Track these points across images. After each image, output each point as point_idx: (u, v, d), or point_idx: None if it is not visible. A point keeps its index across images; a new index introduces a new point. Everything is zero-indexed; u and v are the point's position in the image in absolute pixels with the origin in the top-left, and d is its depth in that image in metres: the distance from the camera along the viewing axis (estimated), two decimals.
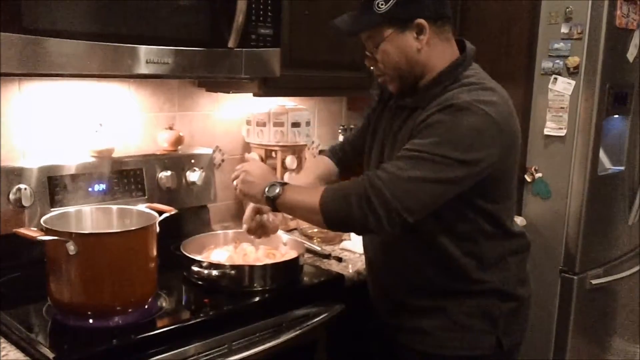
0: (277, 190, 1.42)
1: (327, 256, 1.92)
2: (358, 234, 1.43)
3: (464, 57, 1.42)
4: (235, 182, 1.53)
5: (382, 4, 1.35)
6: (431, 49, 1.39)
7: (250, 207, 1.63)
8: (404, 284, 1.53)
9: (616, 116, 2.58)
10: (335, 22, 1.44)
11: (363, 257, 1.74)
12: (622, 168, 2.66)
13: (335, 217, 1.36)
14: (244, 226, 1.64)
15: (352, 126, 2.54)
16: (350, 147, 1.77)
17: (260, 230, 1.63)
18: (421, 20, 1.36)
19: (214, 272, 1.54)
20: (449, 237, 1.42)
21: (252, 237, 1.67)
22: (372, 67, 1.47)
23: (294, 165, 2.23)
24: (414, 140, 1.34)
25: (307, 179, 1.70)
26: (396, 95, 1.50)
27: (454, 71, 1.39)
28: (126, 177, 1.85)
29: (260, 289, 1.58)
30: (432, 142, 1.29)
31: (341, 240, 2.07)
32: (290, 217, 2.22)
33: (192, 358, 1.38)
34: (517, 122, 1.42)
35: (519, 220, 2.51)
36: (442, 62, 1.40)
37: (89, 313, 1.35)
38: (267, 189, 1.43)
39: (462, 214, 1.41)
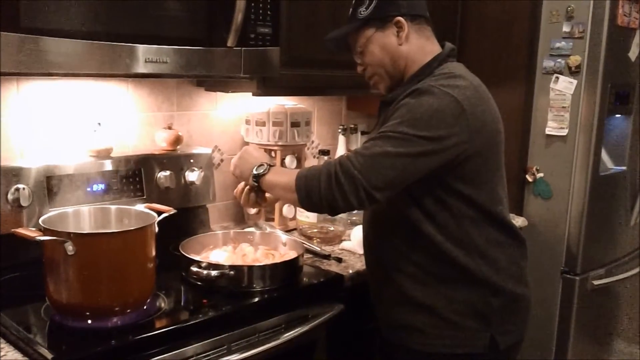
0: (263, 169, 1.53)
1: (327, 257, 1.91)
2: (330, 213, 1.47)
3: (440, 54, 1.53)
4: (232, 159, 1.62)
5: (363, 11, 1.52)
6: (410, 44, 1.52)
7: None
8: (394, 273, 1.53)
9: (618, 115, 2.57)
10: (328, 37, 1.61)
11: (363, 257, 1.74)
12: (624, 168, 2.65)
13: (305, 195, 1.43)
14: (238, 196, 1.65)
15: (352, 125, 2.54)
16: None
17: (252, 200, 1.63)
18: (399, 18, 1.50)
19: (213, 273, 1.54)
20: (430, 222, 1.45)
21: (247, 210, 1.67)
22: (363, 73, 1.60)
23: (294, 165, 2.23)
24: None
25: None
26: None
27: (430, 66, 1.50)
28: (124, 177, 1.85)
29: (259, 289, 1.58)
30: (395, 122, 1.39)
31: (341, 241, 2.06)
32: (290, 217, 2.22)
33: (191, 359, 1.37)
34: (492, 109, 1.49)
35: (520, 221, 2.50)
36: (422, 57, 1.52)
37: (87, 313, 1.35)
38: (255, 167, 1.54)
39: (441, 200, 1.45)
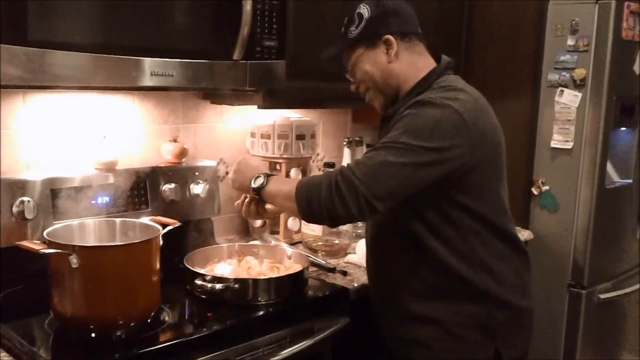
0: (262, 181, 1.52)
1: (332, 270, 1.90)
2: (329, 223, 1.45)
3: (437, 67, 1.53)
4: (229, 174, 1.64)
5: (353, 30, 1.53)
6: (401, 61, 1.52)
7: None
8: (399, 288, 1.53)
9: (623, 128, 2.57)
10: (323, 56, 1.64)
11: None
12: (630, 181, 2.64)
13: (306, 204, 1.42)
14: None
15: (357, 138, 2.54)
16: None
17: (254, 212, 1.63)
18: (388, 36, 1.50)
19: (218, 286, 1.53)
20: (434, 236, 1.45)
21: (252, 222, 1.68)
22: (357, 90, 1.61)
23: (299, 178, 2.22)
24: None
25: None
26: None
27: (428, 79, 1.50)
28: (129, 190, 1.85)
29: (264, 302, 1.57)
30: (397, 133, 1.39)
31: (346, 254, 2.05)
32: (295, 230, 2.22)
33: None
34: (492, 121, 1.49)
35: (526, 234, 2.49)
36: (415, 73, 1.52)
37: (92, 326, 1.34)
38: (253, 180, 1.53)
39: (444, 213, 1.44)
